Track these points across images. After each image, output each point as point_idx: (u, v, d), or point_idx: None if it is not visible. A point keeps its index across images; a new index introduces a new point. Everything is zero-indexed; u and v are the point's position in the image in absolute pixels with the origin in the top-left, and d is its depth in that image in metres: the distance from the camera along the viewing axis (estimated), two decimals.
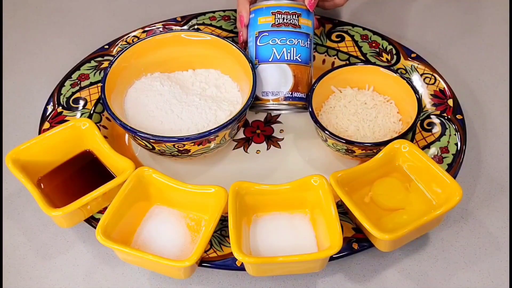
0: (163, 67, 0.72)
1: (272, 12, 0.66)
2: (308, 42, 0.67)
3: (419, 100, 0.65)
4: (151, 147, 0.63)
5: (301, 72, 0.66)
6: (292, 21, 0.66)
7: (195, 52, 0.71)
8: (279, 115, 0.74)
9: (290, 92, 0.66)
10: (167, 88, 0.68)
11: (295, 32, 0.66)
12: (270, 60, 0.66)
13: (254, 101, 0.65)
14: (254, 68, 0.66)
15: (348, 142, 0.62)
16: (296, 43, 0.66)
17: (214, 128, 0.61)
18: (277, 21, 0.66)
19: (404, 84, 0.67)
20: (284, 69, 0.66)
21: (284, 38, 0.65)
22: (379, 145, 0.62)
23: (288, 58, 0.66)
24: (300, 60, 0.66)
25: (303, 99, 0.66)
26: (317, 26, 0.74)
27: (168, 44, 0.71)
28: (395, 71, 0.68)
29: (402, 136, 0.63)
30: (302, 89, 0.66)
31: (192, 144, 0.62)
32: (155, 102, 0.67)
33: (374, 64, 0.71)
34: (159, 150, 0.63)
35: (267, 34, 0.66)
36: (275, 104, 0.66)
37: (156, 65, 0.71)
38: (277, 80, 0.66)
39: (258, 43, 0.67)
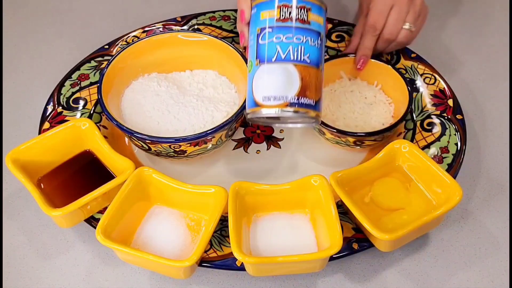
0: (160, 68, 0.72)
1: (277, 6, 0.56)
2: (319, 42, 0.57)
3: (410, 101, 0.66)
4: (147, 147, 0.63)
5: (310, 75, 0.56)
6: (301, 16, 0.56)
7: (193, 52, 0.71)
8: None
9: (296, 97, 0.55)
10: (164, 89, 0.68)
11: (303, 28, 0.56)
12: (273, 60, 0.56)
13: (253, 108, 0.57)
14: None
15: (324, 124, 0.63)
16: (304, 41, 0.56)
17: (210, 129, 0.61)
18: (282, 15, 0.56)
19: (404, 89, 0.67)
20: (290, 71, 0.55)
21: (291, 35, 0.55)
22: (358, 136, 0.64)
23: (295, 58, 0.55)
24: (308, 61, 0.56)
25: (311, 106, 0.56)
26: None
27: (166, 45, 0.71)
28: (402, 74, 0.68)
29: (380, 132, 0.64)
30: (311, 94, 0.56)
31: (189, 145, 0.62)
32: (152, 102, 0.67)
33: (387, 62, 0.70)
34: (155, 150, 0.63)
35: (270, 30, 0.56)
36: (278, 111, 0.55)
37: (154, 66, 0.71)
38: (281, 83, 0.55)
39: (260, 41, 0.57)
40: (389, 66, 0.69)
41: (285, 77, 0.55)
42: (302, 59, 0.56)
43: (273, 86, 0.56)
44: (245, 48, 0.62)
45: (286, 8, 0.56)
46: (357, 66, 0.70)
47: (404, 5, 0.68)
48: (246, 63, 0.64)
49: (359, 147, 0.67)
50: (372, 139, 0.65)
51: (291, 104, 0.55)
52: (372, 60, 0.70)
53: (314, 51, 0.57)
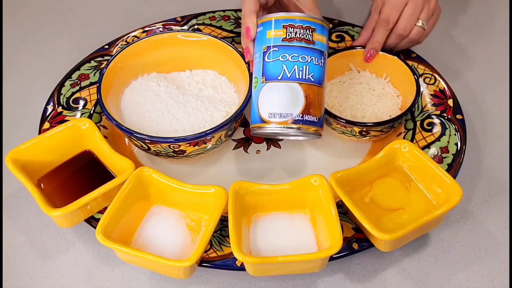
0: (160, 68, 0.72)
1: (283, 25, 0.59)
2: (322, 61, 0.60)
3: (417, 95, 0.66)
4: (146, 147, 0.63)
5: (314, 93, 0.59)
6: (306, 36, 0.59)
7: (192, 52, 0.72)
8: None
9: (301, 115, 0.58)
10: (163, 89, 0.68)
11: (308, 48, 0.59)
12: (279, 78, 0.58)
13: (258, 124, 0.59)
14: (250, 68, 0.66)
15: (332, 115, 0.65)
16: (309, 61, 0.59)
17: (210, 129, 0.61)
18: (288, 35, 0.58)
19: (413, 82, 0.67)
20: (295, 89, 0.58)
21: (296, 55, 0.58)
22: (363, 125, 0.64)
23: (300, 77, 0.58)
24: (313, 79, 0.59)
25: (315, 123, 0.59)
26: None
27: (165, 45, 0.71)
28: (410, 67, 0.69)
29: (389, 122, 0.64)
30: (314, 112, 0.59)
31: (188, 145, 0.62)
32: (151, 102, 0.67)
33: (395, 55, 0.71)
34: (154, 150, 0.64)
35: (276, 49, 0.59)
36: (283, 128, 0.58)
37: (153, 66, 0.71)
38: (287, 100, 0.58)
39: (266, 59, 0.59)
40: (398, 59, 0.70)
41: (291, 95, 0.58)
42: (306, 78, 0.59)
43: (279, 104, 0.58)
44: (249, 62, 0.64)
45: (292, 29, 0.59)
46: (365, 58, 0.71)
47: (419, 2, 0.69)
48: (247, 65, 0.65)
49: (364, 137, 0.67)
50: (378, 130, 0.65)
51: (295, 121, 0.58)
52: (382, 52, 0.71)
53: (318, 70, 0.59)
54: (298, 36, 0.59)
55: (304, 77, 0.58)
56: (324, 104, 0.61)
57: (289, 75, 0.58)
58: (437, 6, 0.71)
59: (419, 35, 0.70)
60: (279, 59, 0.59)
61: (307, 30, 0.59)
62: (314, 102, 0.59)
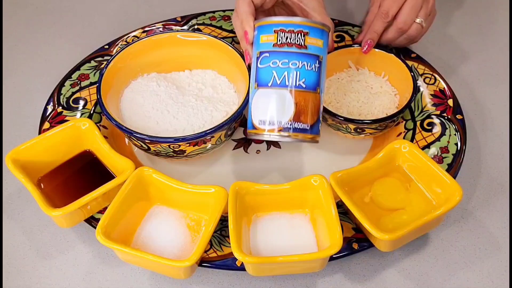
0: (159, 68, 0.72)
1: (274, 30, 0.57)
2: (317, 65, 0.58)
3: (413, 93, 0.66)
4: (146, 147, 0.63)
5: (305, 100, 0.57)
6: (297, 41, 0.57)
7: (192, 52, 0.72)
8: None
9: (290, 122, 0.57)
10: (163, 89, 0.68)
11: (299, 53, 0.57)
12: (269, 84, 0.57)
13: (250, 130, 0.59)
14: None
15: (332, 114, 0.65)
16: (300, 66, 0.57)
17: (209, 129, 0.61)
18: (279, 40, 0.57)
19: (410, 81, 0.67)
20: (284, 96, 0.57)
21: (286, 60, 0.57)
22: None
23: (290, 84, 0.57)
24: (304, 86, 0.57)
25: (306, 130, 0.58)
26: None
27: (165, 45, 0.71)
28: (408, 65, 0.69)
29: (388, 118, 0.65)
30: (305, 119, 0.57)
31: (188, 144, 0.62)
32: (151, 102, 0.67)
33: (394, 53, 0.71)
34: (154, 150, 0.64)
35: (267, 55, 0.57)
36: (271, 135, 0.57)
37: (153, 66, 0.72)
38: (276, 108, 0.57)
39: (258, 65, 0.58)
40: (397, 57, 0.70)
41: (280, 102, 0.57)
42: (297, 84, 0.57)
43: (268, 111, 0.57)
44: (249, 65, 0.63)
45: (283, 33, 0.57)
46: (363, 50, 0.71)
47: (418, 0, 0.69)
48: (247, 68, 0.65)
49: (360, 135, 0.67)
50: (373, 127, 0.65)
51: (284, 129, 0.57)
52: (381, 51, 0.71)
53: (311, 76, 0.57)
54: (289, 41, 0.57)
55: (294, 84, 0.57)
56: (320, 110, 0.59)
57: (278, 82, 0.57)
58: (434, 8, 0.72)
59: (417, 32, 0.71)
60: (269, 65, 0.57)
61: (299, 35, 0.57)
62: (306, 109, 0.57)
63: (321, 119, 0.60)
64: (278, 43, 0.57)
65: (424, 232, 0.60)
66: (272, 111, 0.57)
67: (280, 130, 0.57)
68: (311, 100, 0.58)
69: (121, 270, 0.61)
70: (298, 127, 0.57)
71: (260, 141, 0.71)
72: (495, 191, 0.67)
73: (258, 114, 0.58)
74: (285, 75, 0.57)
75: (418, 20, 0.70)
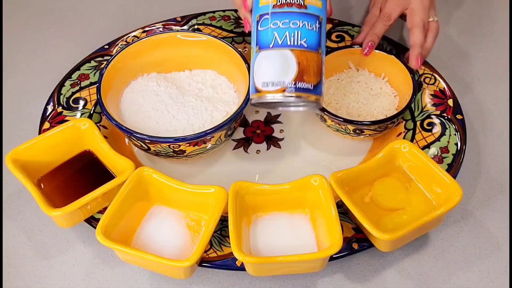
0: (159, 68, 0.72)
1: None
2: (317, 25, 0.57)
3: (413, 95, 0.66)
4: (146, 147, 0.63)
5: (308, 59, 0.56)
6: (297, 1, 0.56)
7: (192, 52, 0.72)
8: (279, 115, 0.74)
9: (293, 82, 0.56)
10: (163, 89, 0.68)
11: (300, 13, 0.56)
12: (270, 46, 0.56)
13: (254, 94, 0.58)
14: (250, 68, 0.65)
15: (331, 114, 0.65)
16: (301, 26, 0.56)
17: (209, 129, 0.61)
18: (279, 1, 0.56)
19: (410, 83, 0.68)
20: (286, 56, 0.56)
21: (287, 20, 0.56)
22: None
23: (291, 43, 0.56)
24: (305, 45, 0.56)
25: (309, 90, 0.56)
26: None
27: (165, 45, 0.71)
28: (408, 67, 0.69)
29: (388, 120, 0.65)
30: (308, 78, 0.56)
31: (188, 144, 0.62)
32: (151, 102, 0.67)
33: (394, 54, 0.71)
34: (154, 150, 0.64)
35: (268, 16, 0.57)
36: (276, 95, 0.57)
37: (153, 66, 0.72)
38: (279, 68, 0.56)
39: (259, 28, 0.58)
40: (397, 59, 0.70)
41: (282, 62, 0.56)
42: (299, 43, 0.56)
43: (270, 72, 0.57)
44: (249, 33, 0.62)
45: None
46: (364, 52, 0.71)
47: (425, 2, 0.70)
48: (246, 62, 0.65)
49: (359, 136, 0.67)
50: (372, 129, 0.66)
51: (289, 89, 0.56)
52: (381, 52, 0.71)
53: (312, 35, 0.57)
54: (289, 1, 0.56)
55: (296, 43, 0.56)
56: (323, 70, 0.58)
57: (280, 42, 0.56)
58: (437, 24, 0.72)
59: (438, 28, 0.71)
60: (270, 26, 0.57)
61: None
62: (309, 69, 0.57)
63: (323, 80, 0.59)
64: (278, 3, 0.57)
65: (424, 232, 0.60)
66: (275, 72, 0.56)
67: (283, 91, 0.56)
68: (313, 60, 0.57)
69: (121, 270, 0.61)
70: (302, 87, 0.56)
71: (260, 141, 0.71)
72: (495, 191, 0.67)
73: (260, 77, 0.57)
74: (286, 35, 0.56)
75: (430, 19, 0.71)
